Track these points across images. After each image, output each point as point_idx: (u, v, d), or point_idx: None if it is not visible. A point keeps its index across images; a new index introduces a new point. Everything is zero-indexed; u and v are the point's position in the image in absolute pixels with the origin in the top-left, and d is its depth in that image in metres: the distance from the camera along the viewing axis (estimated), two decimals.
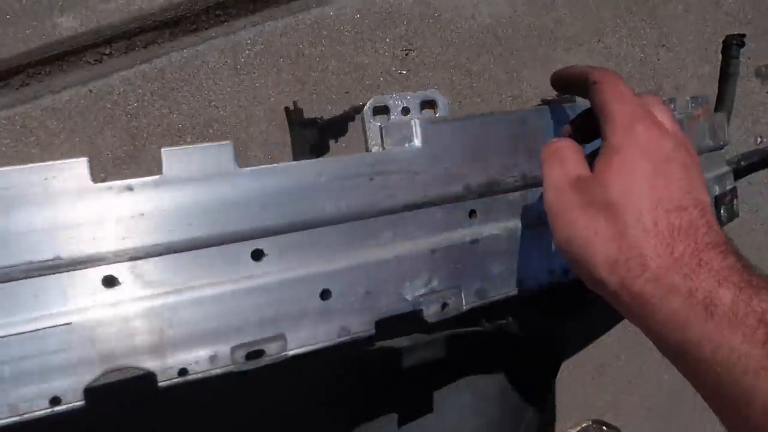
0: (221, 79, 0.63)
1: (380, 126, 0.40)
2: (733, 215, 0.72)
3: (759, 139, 0.85)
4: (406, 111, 0.66)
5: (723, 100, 0.81)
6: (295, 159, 0.53)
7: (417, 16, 0.70)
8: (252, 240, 0.36)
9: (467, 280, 0.43)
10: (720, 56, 0.81)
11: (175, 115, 0.62)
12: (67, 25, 0.60)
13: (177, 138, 0.62)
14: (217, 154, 0.35)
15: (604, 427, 0.73)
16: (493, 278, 0.44)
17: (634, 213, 0.32)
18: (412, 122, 0.41)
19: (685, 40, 0.82)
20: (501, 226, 0.45)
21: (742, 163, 0.80)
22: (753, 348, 0.28)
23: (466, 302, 0.43)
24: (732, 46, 0.80)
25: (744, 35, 0.80)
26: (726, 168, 0.74)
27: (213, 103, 0.63)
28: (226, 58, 0.64)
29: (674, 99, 0.61)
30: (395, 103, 0.67)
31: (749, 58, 0.85)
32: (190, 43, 0.63)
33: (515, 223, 0.46)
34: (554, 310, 0.54)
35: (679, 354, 0.31)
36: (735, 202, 0.72)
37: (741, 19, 0.85)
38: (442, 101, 0.67)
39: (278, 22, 0.65)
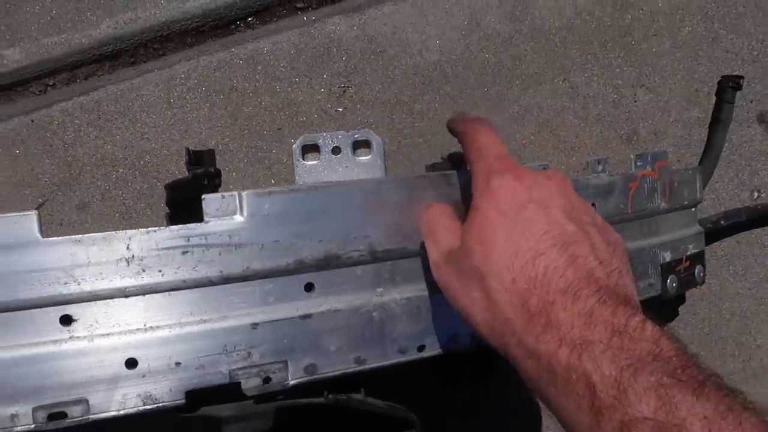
0: (155, 112, 0.65)
1: (203, 198, 0.40)
2: (689, 284, 0.65)
3: (755, 194, 0.76)
4: (336, 150, 0.66)
5: (709, 150, 0.72)
6: (169, 212, 0.54)
7: (358, 52, 0.68)
8: (57, 306, 0.38)
9: (296, 355, 0.42)
10: (714, 99, 0.73)
11: (109, 146, 0.65)
12: (14, 57, 0.64)
13: (110, 168, 0.65)
14: (20, 222, 0.36)
15: None
16: (328, 354, 0.43)
17: (496, 275, 0.32)
18: (237, 194, 0.40)
19: (670, 81, 0.74)
20: (344, 299, 0.44)
21: (723, 222, 0.71)
22: (584, 416, 0.27)
23: (292, 377, 0.42)
24: (726, 89, 0.72)
25: (741, 77, 0.71)
26: (695, 229, 0.67)
27: (146, 136, 0.65)
28: (161, 92, 0.65)
29: (604, 159, 0.56)
30: (326, 141, 0.67)
31: (751, 102, 0.76)
32: (127, 76, 0.66)
33: (359, 297, 0.44)
34: (461, 377, 0.51)
35: None
36: (697, 269, 0.65)
37: (744, 57, 0.75)
38: (376, 141, 0.66)
39: (213, 57, 0.66)
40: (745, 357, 0.77)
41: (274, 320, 0.42)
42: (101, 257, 0.37)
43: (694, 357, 0.29)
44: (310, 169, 0.65)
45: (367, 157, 0.65)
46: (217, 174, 0.47)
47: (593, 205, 0.53)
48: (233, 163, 0.67)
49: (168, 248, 0.39)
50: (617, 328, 0.28)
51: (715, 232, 0.72)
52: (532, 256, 0.31)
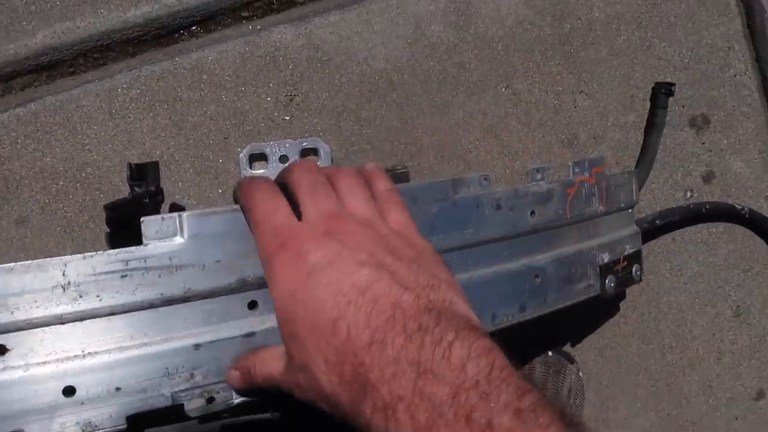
0: (96, 123, 0.64)
1: (142, 221, 0.40)
2: (626, 283, 0.68)
3: (689, 194, 0.80)
4: (284, 159, 0.66)
5: (645, 153, 0.76)
6: (109, 231, 0.53)
7: (304, 60, 0.68)
8: None
9: None
10: (649, 105, 0.76)
11: (48, 159, 0.63)
12: None
13: (50, 181, 0.63)
14: None
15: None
16: None
17: (312, 361, 0.31)
18: (177, 216, 0.40)
19: (607, 87, 0.77)
20: None
21: (658, 221, 0.75)
22: None
23: (237, 396, 0.42)
24: (659, 94, 0.75)
25: (673, 84, 0.75)
26: (631, 229, 0.70)
27: (87, 147, 0.64)
28: (102, 102, 0.64)
29: (543, 168, 0.58)
30: (273, 150, 0.66)
31: (683, 107, 0.80)
32: (66, 86, 0.64)
33: None
34: None
35: None
36: (635, 268, 0.68)
37: (676, 64, 0.79)
38: (324, 149, 0.66)
39: (156, 66, 0.65)
40: (681, 348, 0.82)
41: (217, 340, 0.42)
42: (35, 285, 0.37)
43: (506, 369, 0.26)
44: None
45: None
46: (158, 192, 0.47)
47: (532, 212, 0.55)
48: (179, 173, 0.66)
49: (106, 273, 0.39)
50: (424, 367, 0.26)
51: (651, 231, 0.75)
52: (331, 325, 0.29)
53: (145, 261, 0.39)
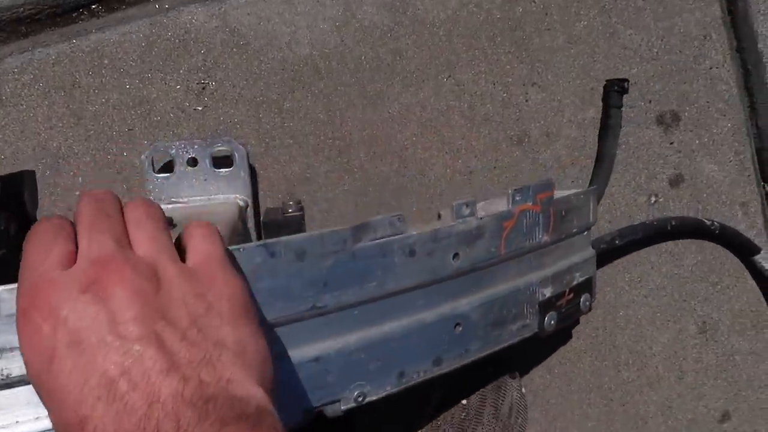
0: None
1: None
2: (571, 317, 0.61)
3: (653, 198, 0.73)
4: (193, 162, 0.59)
5: (601, 162, 0.68)
6: None
7: (218, 44, 0.61)
8: None
9: None
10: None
11: None
12: None
13: None
14: None
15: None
16: None
17: None
18: None
19: (563, 78, 0.69)
20: None
21: (618, 241, 0.68)
22: None
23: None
24: (612, 93, 0.67)
25: (626, 80, 0.67)
26: (586, 253, 0.63)
27: None
28: None
29: (472, 202, 0.48)
30: (180, 153, 0.59)
31: (650, 102, 0.72)
32: None
33: None
34: None
35: None
36: (583, 298, 0.61)
37: (643, 54, 0.71)
38: (239, 153, 0.58)
39: (51, 49, 0.59)
40: (640, 365, 0.75)
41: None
42: None
43: None
44: (163, 184, 0.58)
45: (229, 169, 0.58)
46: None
47: (455, 255, 0.47)
48: (78, 167, 0.60)
49: None
50: None
51: (609, 252, 0.68)
52: (78, 426, 0.23)
53: None
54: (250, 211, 0.60)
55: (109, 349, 0.24)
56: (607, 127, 0.67)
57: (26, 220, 0.40)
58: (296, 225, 0.47)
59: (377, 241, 0.41)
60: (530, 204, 0.53)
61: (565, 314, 0.58)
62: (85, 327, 0.24)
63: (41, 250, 0.27)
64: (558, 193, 0.57)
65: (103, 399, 0.23)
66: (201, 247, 0.29)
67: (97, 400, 0.23)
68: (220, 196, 0.59)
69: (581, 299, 0.61)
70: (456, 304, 0.48)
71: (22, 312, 0.26)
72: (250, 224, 0.60)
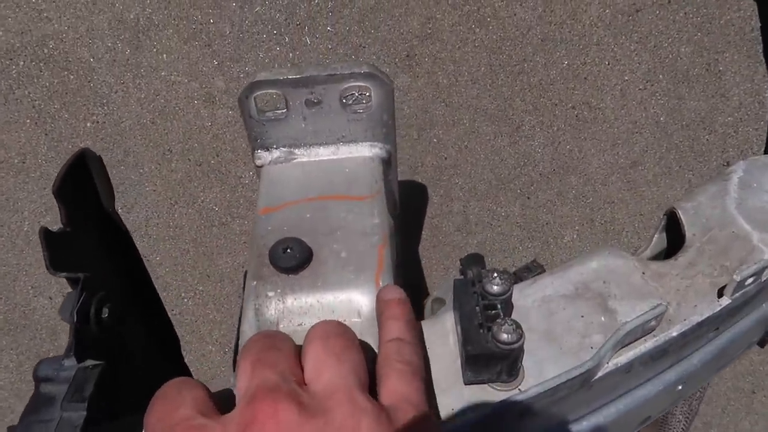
0: None
1: None
2: None
3: None
4: (311, 104, 0.35)
5: None
6: None
7: None
8: None
9: None
10: None
11: (0, 33, 0.50)
12: None
13: (8, 62, 0.51)
14: None
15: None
16: None
17: None
18: None
19: None
20: None
21: None
22: None
23: None
24: None
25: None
26: None
27: (45, 15, 0.50)
28: None
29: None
30: (292, 92, 0.33)
31: None
32: None
33: None
34: None
35: None
36: None
37: None
38: (384, 90, 0.31)
39: None
40: None
41: None
42: None
43: None
44: (269, 131, 0.31)
45: (365, 109, 0.29)
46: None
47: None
48: (161, 41, 0.51)
49: None
50: None
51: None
52: None
53: None
54: (394, 162, 0.34)
55: None
56: None
57: (101, 215, 0.29)
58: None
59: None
60: None
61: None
62: None
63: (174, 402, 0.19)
64: None
65: None
66: (399, 389, 0.19)
67: None
68: (352, 146, 0.31)
69: None
70: (679, 368, 0.36)
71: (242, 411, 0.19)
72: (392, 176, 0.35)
